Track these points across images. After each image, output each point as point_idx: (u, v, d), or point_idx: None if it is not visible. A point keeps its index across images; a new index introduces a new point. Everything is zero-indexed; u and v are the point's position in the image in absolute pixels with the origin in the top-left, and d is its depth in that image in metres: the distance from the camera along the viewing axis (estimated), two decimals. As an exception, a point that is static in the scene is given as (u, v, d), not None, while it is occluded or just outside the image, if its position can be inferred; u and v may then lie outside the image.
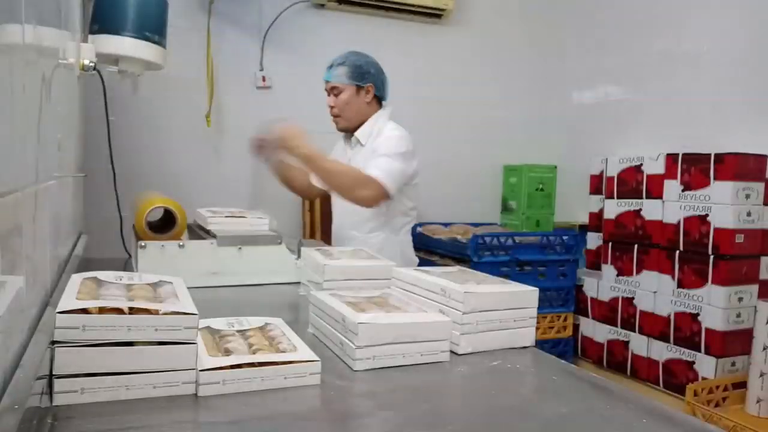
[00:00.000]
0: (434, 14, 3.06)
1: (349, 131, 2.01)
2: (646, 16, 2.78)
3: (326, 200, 2.33)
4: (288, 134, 1.77)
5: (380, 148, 1.85)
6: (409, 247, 2.05)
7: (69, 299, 0.76)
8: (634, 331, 2.40)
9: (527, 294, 1.09)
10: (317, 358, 0.85)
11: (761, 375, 1.86)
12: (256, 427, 0.74)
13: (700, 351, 2.13)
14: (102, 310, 0.75)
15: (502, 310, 1.05)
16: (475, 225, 3.00)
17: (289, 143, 1.76)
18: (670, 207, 2.27)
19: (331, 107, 1.97)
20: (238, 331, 0.93)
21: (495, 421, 0.78)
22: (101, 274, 0.94)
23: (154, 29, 1.71)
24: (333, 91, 1.95)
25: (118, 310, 0.76)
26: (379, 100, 1.99)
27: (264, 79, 2.82)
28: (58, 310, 0.72)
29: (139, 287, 0.89)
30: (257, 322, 0.98)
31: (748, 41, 2.31)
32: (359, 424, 0.76)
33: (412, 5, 2.96)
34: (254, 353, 0.85)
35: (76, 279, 0.89)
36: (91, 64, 1.36)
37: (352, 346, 0.91)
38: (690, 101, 2.54)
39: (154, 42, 1.71)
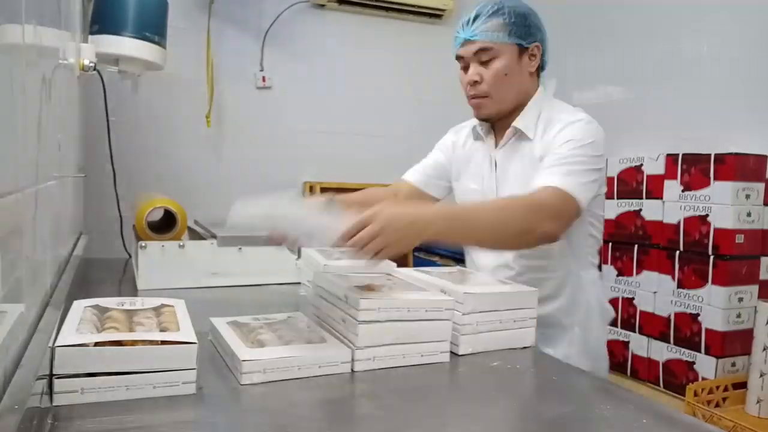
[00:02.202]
0: (434, 14, 3.06)
1: (492, 120, 1.32)
2: (646, 16, 2.78)
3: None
4: (391, 231, 0.89)
5: (559, 138, 1.20)
6: (600, 290, 1.35)
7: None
8: (634, 332, 2.40)
9: (527, 294, 1.09)
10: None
11: (761, 375, 1.86)
12: (255, 426, 0.74)
13: (700, 351, 2.13)
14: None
15: (502, 310, 1.04)
16: (475, 225, 3.00)
17: (400, 237, 0.91)
18: (670, 207, 2.27)
19: (475, 82, 1.26)
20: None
21: (495, 422, 0.78)
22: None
23: (154, 29, 1.71)
24: (479, 56, 1.25)
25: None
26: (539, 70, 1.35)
27: (264, 79, 2.82)
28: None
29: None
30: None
31: (748, 41, 2.31)
32: (359, 425, 0.76)
33: (412, 5, 2.96)
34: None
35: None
36: (91, 64, 1.37)
37: (352, 347, 0.91)
38: (690, 101, 2.54)
39: (154, 42, 1.71)
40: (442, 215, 1.02)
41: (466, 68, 1.29)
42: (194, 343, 0.79)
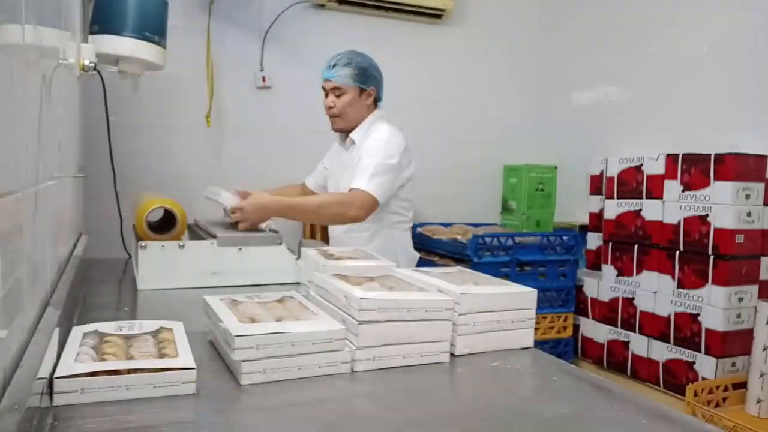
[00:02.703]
0: (434, 14, 3.06)
1: (344, 132, 2.00)
2: (646, 16, 2.78)
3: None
4: (250, 211, 1.64)
5: (367, 151, 1.85)
6: (408, 244, 2.05)
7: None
8: (634, 332, 2.40)
9: (525, 295, 1.08)
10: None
11: (761, 375, 1.86)
12: (255, 426, 0.74)
13: (700, 351, 2.13)
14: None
15: (500, 311, 1.04)
16: (475, 225, 3.00)
17: (256, 216, 1.66)
18: (670, 207, 2.27)
19: (330, 107, 1.93)
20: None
21: (495, 422, 0.78)
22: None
23: (154, 29, 1.71)
24: (334, 91, 1.91)
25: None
26: (375, 101, 1.99)
27: (264, 79, 2.82)
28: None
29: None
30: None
31: (748, 41, 2.31)
32: (359, 425, 0.76)
33: (412, 5, 2.96)
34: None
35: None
36: (91, 65, 1.36)
37: (352, 347, 0.91)
38: (690, 101, 2.54)
39: (154, 42, 1.71)
40: (283, 205, 1.74)
41: (327, 95, 1.95)
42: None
